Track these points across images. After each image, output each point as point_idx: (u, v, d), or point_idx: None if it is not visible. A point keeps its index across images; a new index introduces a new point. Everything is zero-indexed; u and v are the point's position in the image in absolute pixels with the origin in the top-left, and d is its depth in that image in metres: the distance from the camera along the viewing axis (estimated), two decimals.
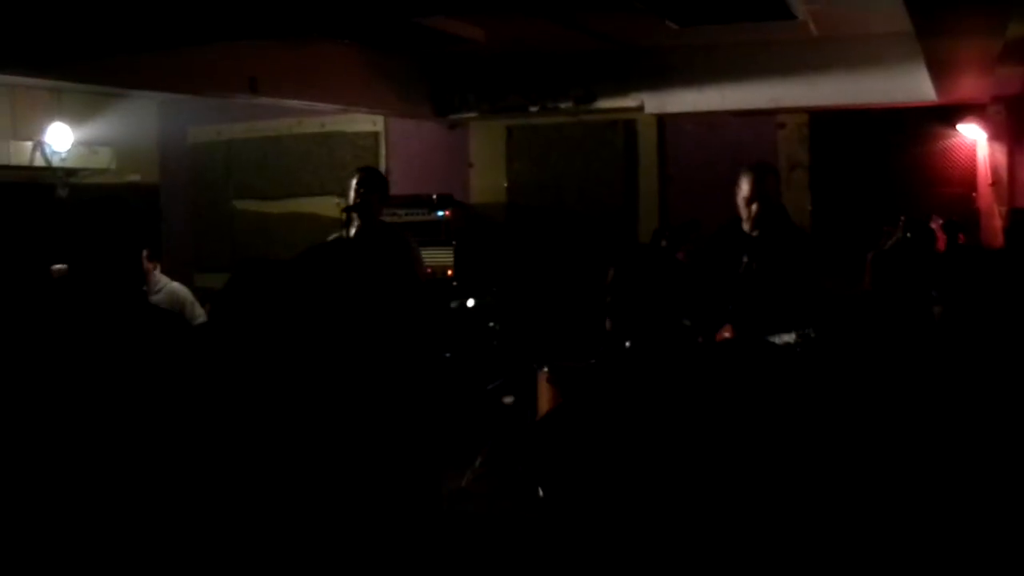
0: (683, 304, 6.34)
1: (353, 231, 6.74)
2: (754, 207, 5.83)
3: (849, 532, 4.09)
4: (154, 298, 7.31)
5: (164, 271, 7.81)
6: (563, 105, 10.18)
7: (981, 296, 6.94)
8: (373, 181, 6.82)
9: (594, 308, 8.38)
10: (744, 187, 5.85)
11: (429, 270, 9.96)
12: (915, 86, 8.75)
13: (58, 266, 8.70)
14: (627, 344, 6.82)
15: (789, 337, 5.68)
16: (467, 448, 7.88)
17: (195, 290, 8.10)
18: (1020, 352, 5.57)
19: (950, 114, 9.47)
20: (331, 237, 7.06)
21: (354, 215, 6.69)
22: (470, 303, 6.82)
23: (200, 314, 7.93)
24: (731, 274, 5.99)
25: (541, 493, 4.94)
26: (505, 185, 10.95)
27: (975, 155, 9.57)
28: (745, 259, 5.90)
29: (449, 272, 10.15)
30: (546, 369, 7.18)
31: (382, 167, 11.17)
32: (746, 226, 5.91)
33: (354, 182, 6.74)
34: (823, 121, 9.93)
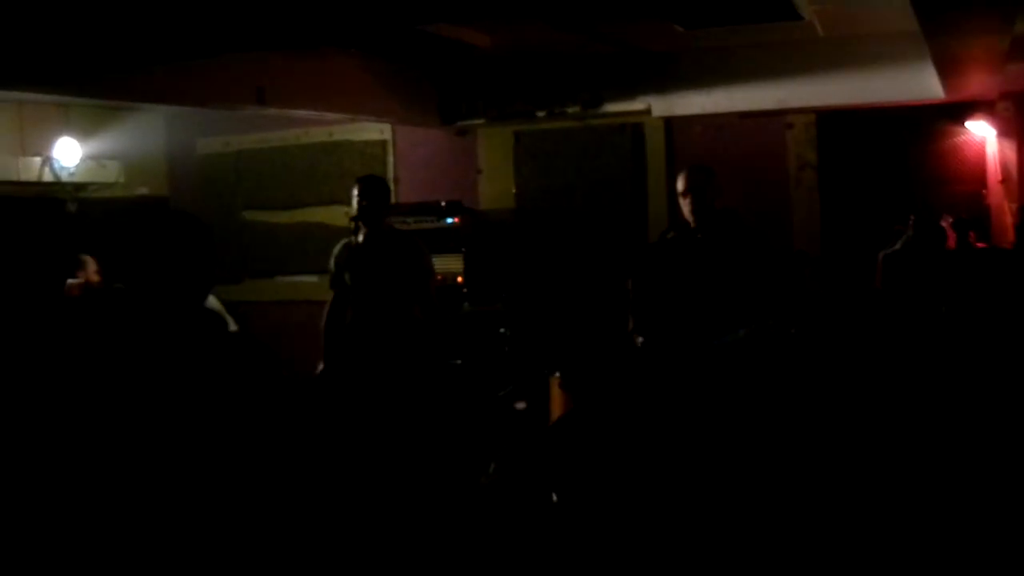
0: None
1: (361, 238, 6.80)
2: (688, 199, 6.28)
3: (863, 532, 4.08)
4: None
5: None
6: (570, 110, 10.18)
7: (990, 295, 6.93)
8: (373, 188, 6.89)
9: (613, 310, 8.39)
10: (679, 183, 6.29)
11: (440, 277, 9.98)
12: (923, 84, 8.73)
13: (73, 280, 8.72)
14: (640, 340, 6.85)
15: (737, 335, 5.94)
16: (480, 454, 7.87)
17: None
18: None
19: (958, 111, 9.44)
20: (340, 244, 7.11)
21: (360, 223, 6.75)
22: None
23: (229, 322, 7.96)
24: (679, 279, 6.37)
25: (555, 498, 4.94)
26: (513, 191, 10.95)
27: (984, 152, 9.54)
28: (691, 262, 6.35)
29: (459, 279, 10.15)
30: (558, 374, 7.17)
31: (390, 175, 11.18)
32: (686, 211, 6.31)
33: (355, 192, 6.81)
34: (831, 121, 9.91)
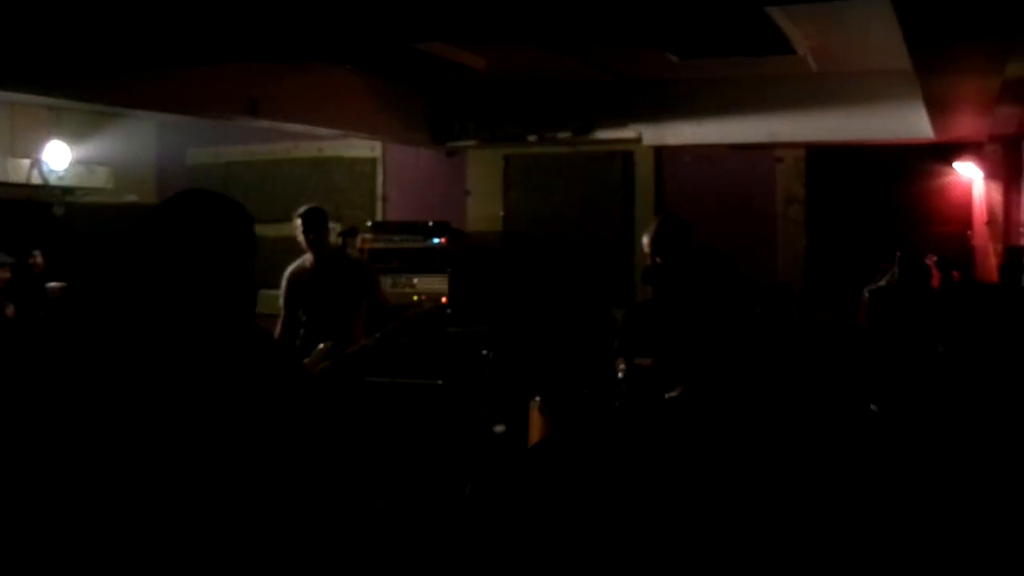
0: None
1: (310, 262, 7.30)
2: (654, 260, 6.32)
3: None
4: None
5: None
6: (561, 135, 10.21)
7: (982, 333, 6.93)
8: (317, 220, 7.54)
9: (596, 335, 8.38)
10: (644, 242, 6.29)
11: (424, 297, 9.99)
12: (913, 123, 8.78)
13: (54, 284, 8.69)
14: (619, 375, 6.85)
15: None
16: (457, 476, 7.85)
17: None
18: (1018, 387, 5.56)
19: (947, 152, 9.49)
20: (292, 265, 7.46)
21: (308, 245, 7.47)
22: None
23: None
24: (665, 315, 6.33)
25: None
26: (501, 213, 10.96)
27: (971, 193, 9.59)
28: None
29: (444, 299, 10.14)
30: (538, 398, 7.17)
31: (379, 193, 11.21)
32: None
33: (299, 223, 7.36)
34: (820, 156, 9.95)
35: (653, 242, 6.25)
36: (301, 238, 7.45)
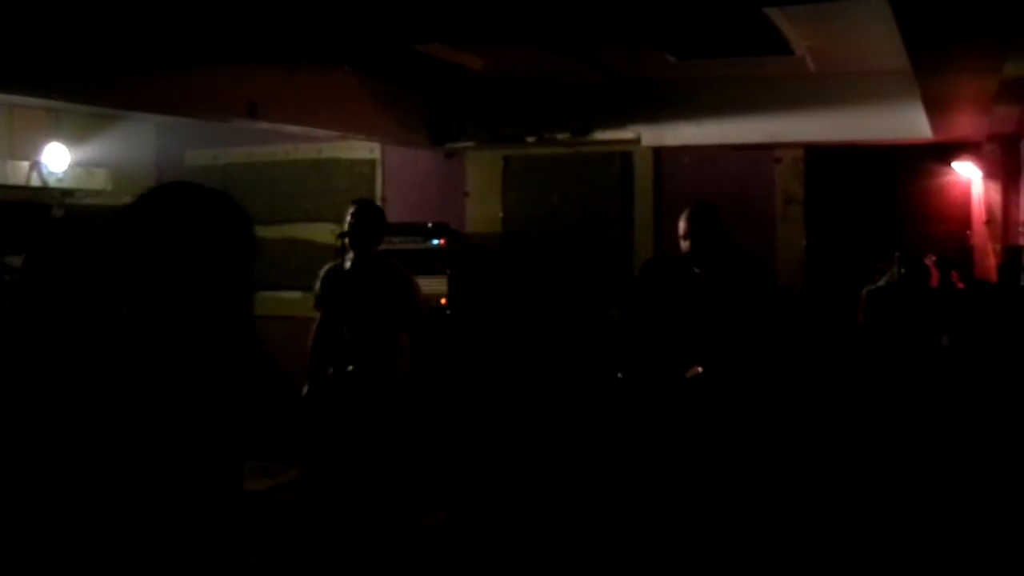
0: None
1: (348, 264, 6.78)
2: (686, 244, 6.39)
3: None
4: None
5: None
6: (560, 136, 10.21)
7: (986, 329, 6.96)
8: (369, 213, 6.82)
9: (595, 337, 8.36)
10: (680, 225, 6.36)
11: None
12: (911, 123, 8.78)
13: None
14: (619, 375, 6.87)
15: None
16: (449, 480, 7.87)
17: None
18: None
19: (946, 152, 9.49)
20: (326, 267, 7.05)
21: (347, 244, 6.72)
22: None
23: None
24: (681, 312, 6.45)
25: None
26: (501, 214, 10.96)
27: (970, 193, 9.59)
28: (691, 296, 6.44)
29: (443, 301, 10.14)
30: None
31: (378, 195, 11.19)
32: (683, 248, 6.44)
33: (350, 213, 6.78)
34: (819, 156, 9.95)
35: (690, 224, 6.31)
36: (347, 226, 6.72)
